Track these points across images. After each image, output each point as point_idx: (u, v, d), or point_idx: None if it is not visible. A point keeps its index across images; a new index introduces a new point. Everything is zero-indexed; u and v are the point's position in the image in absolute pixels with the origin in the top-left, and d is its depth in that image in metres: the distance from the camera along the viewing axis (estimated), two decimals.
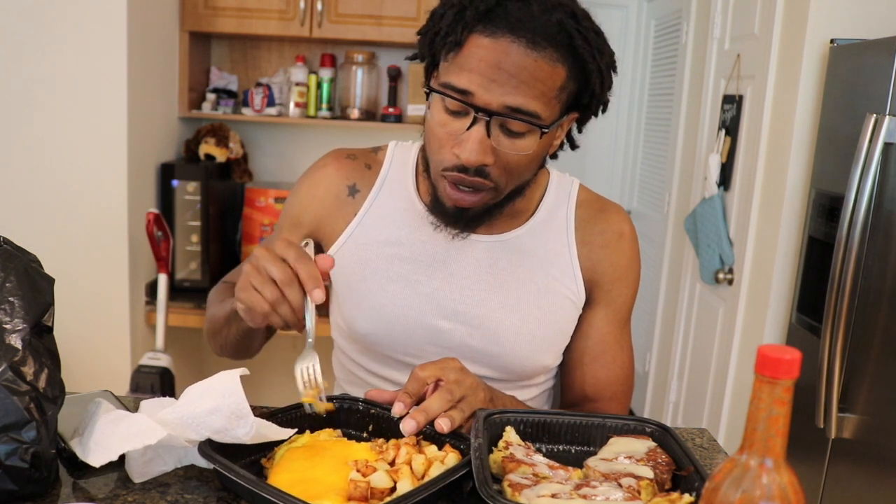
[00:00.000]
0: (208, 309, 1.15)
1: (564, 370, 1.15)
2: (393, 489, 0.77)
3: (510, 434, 0.88)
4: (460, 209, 0.99)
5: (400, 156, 1.13)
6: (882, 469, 1.73)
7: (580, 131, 1.05)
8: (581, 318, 1.11)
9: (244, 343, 1.08)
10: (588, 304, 1.11)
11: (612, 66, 0.98)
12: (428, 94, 0.97)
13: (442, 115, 0.94)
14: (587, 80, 0.94)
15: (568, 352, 1.13)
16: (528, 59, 0.88)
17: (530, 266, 1.08)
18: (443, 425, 0.86)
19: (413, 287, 1.06)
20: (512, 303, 1.06)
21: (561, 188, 1.13)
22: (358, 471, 0.77)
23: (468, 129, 0.92)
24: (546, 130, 0.93)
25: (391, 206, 1.10)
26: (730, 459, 0.55)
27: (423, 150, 1.04)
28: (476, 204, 0.98)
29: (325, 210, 1.11)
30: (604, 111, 1.02)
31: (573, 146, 1.07)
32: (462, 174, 0.94)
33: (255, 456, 0.86)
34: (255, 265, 0.86)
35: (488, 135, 0.91)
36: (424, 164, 1.03)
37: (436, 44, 0.95)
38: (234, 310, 0.95)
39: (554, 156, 1.06)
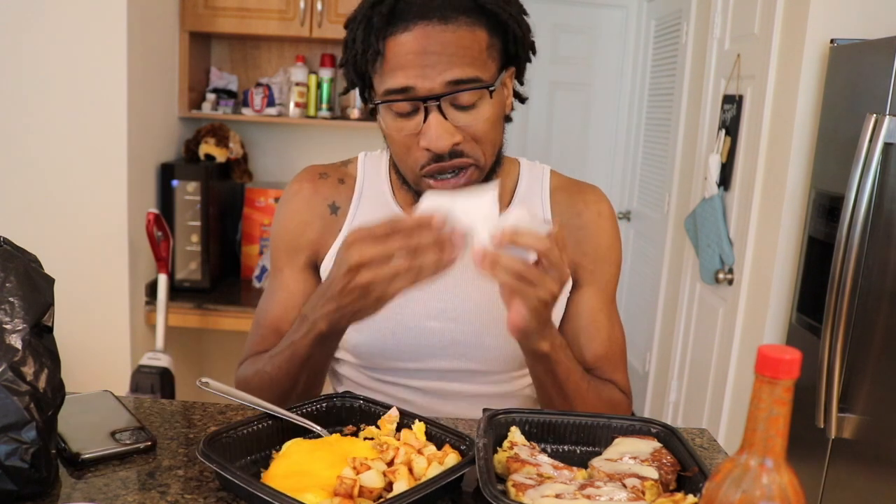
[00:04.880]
0: (257, 376, 1.04)
1: None
2: (388, 490, 0.77)
3: (515, 434, 0.88)
4: None
5: (372, 166, 1.14)
6: (882, 469, 1.73)
7: (521, 83, 1.07)
8: (570, 301, 1.12)
9: (323, 372, 1.04)
10: (575, 285, 1.12)
11: (522, 10, 1.01)
12: (374, 111, 0.98)
13: (395, 122, 0.96)
14: (506, 31, 0.98)
15: (562, 334, 1.13)
16: (446, 34, 0.91)
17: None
18: (516, 319, 0.86)
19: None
20: (496, 295, 1.06)
21: (533, 176, 1.14)
22: (354, 468, 0.77)
23: (425, 121, 0.93)
24: (493, 88, 0.95)
25: (371, 216, 1.09)
26: (730, 459, 0.55)
27: (394, 165, 1.06)
28: (463, 185, 0.98)
29: (315, 232, 1.11)
30: (534, 53, 1.04)
31: (522, 100, 1.09)
32: (440, 162, 0.95)
33: (254, 455, 0.86)
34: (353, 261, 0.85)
35: (445, 117, 0.93)
36: (400, 178, 1.04)
37: (359, 65, 0.97)
38: (318, 335, 0.94)
39: (508, 118, 1.07)
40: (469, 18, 0.93)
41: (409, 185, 1.04)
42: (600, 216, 1.13)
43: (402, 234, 0.83)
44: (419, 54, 0.91)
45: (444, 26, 0.91)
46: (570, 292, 1.12)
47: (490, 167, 1.01)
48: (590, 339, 1.12)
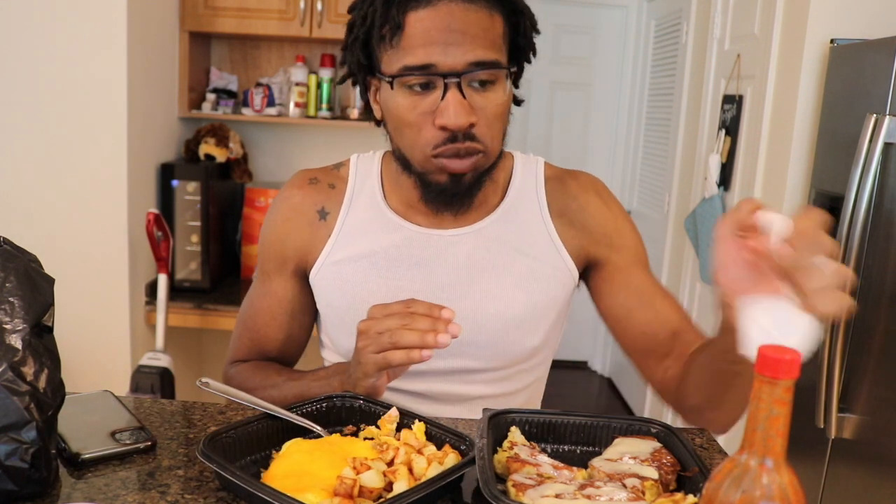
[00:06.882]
0: (261, 392, 1.04)
1: (626, 336, 1.09)
2: (388, 490, 0.77)
3: (515, 434, 0.88)
4: (456, 179, 0.99)
5: (363, 168, 1.13)
6: (882, 469, 1.73)
7: (517, 86, 1.06)
8: (601, 280, 1.09)
9: None
10: (599, 266, 1.09)
11: (529, 11, 1.02)
12: (369, 108, 0.98)
13: (409, 99, 0.95)
14: (518, 22, 0.99)
15: (615, 316, 1.09)
16: (470, 14, 0.92)
17: (509, 251, 1.07)
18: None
19: (393, 294, 1.05)
20: (494, 290, 1.06)
21: (527, 169, 1.13)
22: (354, 468, 0.77)
23: (443, 98, 0.93)
24: (513, 70, 0.98)
25: (361, 219, 1.10)
26: (730, 459, 0.55)
27: (394, 154, 1.05)
28: (469, 168, 0.98)
29: (302, 240, 1.11)
30: (534, 55, 1.05)
31: (517, 102, 1.08)
32: (454, 144, 0.95)
33: (254, 455, 0.86)
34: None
35: (464, 96, 0.93)
36: (402, 164, 1.03)
37: (372, 43, 0.97)
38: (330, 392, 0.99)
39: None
40: (489, 3, 0.94)
41: (408, 173, 1.02)
42: (599, 194, 1.12)
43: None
44: (443, 31, 0.91)
45: (467, 5, 0.92)
46: (599, 273, 1.09)
47: (496, 156, 1.01)
48: (646, 304, 1.06)
